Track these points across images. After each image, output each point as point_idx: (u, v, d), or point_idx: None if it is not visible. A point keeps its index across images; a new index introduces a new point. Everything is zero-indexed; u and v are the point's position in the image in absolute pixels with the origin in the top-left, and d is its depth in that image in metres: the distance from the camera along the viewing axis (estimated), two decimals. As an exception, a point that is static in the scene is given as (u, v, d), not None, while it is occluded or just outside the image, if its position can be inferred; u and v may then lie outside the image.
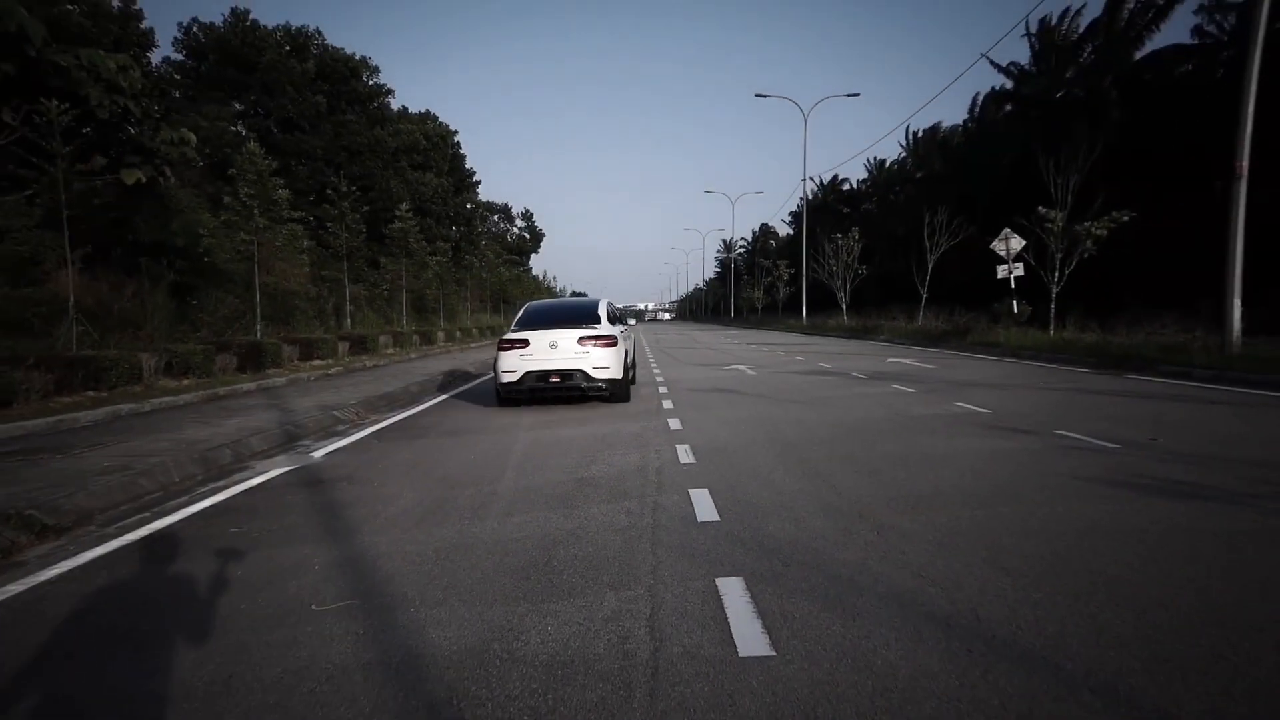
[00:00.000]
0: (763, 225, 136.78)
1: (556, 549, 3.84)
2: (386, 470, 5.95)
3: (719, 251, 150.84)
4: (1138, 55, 33.07)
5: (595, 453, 6.31)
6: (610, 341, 8.18)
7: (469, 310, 36.34)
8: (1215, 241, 11.74)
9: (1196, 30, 30.82)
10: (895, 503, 4.43)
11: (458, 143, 49.18)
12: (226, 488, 5.49)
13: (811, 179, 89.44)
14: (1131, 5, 31.57)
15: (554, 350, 8.12)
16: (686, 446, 6.36)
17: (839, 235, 32.75)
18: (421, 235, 32.22)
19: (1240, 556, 3.35)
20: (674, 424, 7.65)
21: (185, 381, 12.21)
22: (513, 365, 8.20)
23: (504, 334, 8.36)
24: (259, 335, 16.66)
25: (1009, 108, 50.09)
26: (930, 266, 24.61)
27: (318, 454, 6.76)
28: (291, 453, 6.88)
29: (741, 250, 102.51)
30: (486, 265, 43.34)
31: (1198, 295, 17.15)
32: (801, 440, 6.50)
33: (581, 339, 8.15)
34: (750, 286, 64.18)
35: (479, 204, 57.89)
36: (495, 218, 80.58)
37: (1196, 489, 4.43)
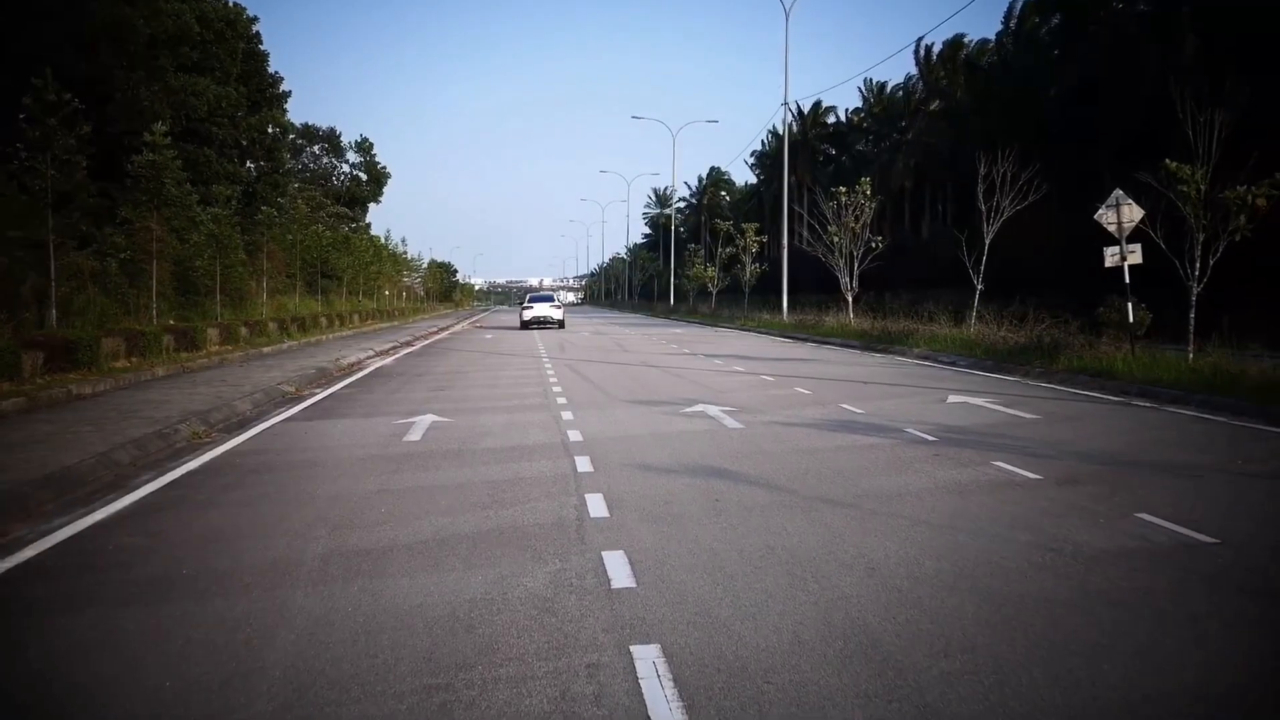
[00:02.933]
0: (712, 171, 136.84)
1: None
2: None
3: (649, 205, 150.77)
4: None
5: None
6: (560, 307, 43.70)
7: (265, 291, 33.33)
8: None
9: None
10: None
11: (257, 34, 45.74)
12: None
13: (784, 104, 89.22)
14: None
15: (540, 310, 41.39)
16: (659, 679, 4.07)
17: (841, 189, 31.48)
18: (189, 173, 29.17)
19: None
20: (617, 569, 5.47)
21: None
22: (527, 315, 41.44)
23: (523, 304, 45.09)
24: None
25: (1057, 19, 50.54)
26: (988, 242, 23.34)
27: None
28: None
29: (681, 206, 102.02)
30: (297, 221, 40.42)
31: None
32: (900, 640, 4.38)
33: (550, 305, 42.67)
34: (697, 259, 62.77)
35: (289, 128, 54.25)
36: (315, 150, 77.33)
37: None
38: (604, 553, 5.84)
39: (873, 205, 31.33)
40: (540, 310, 42.99)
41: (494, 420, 11.93)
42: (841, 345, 27.47)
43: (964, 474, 8.16)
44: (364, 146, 79.64)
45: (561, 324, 42.59)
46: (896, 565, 5.50)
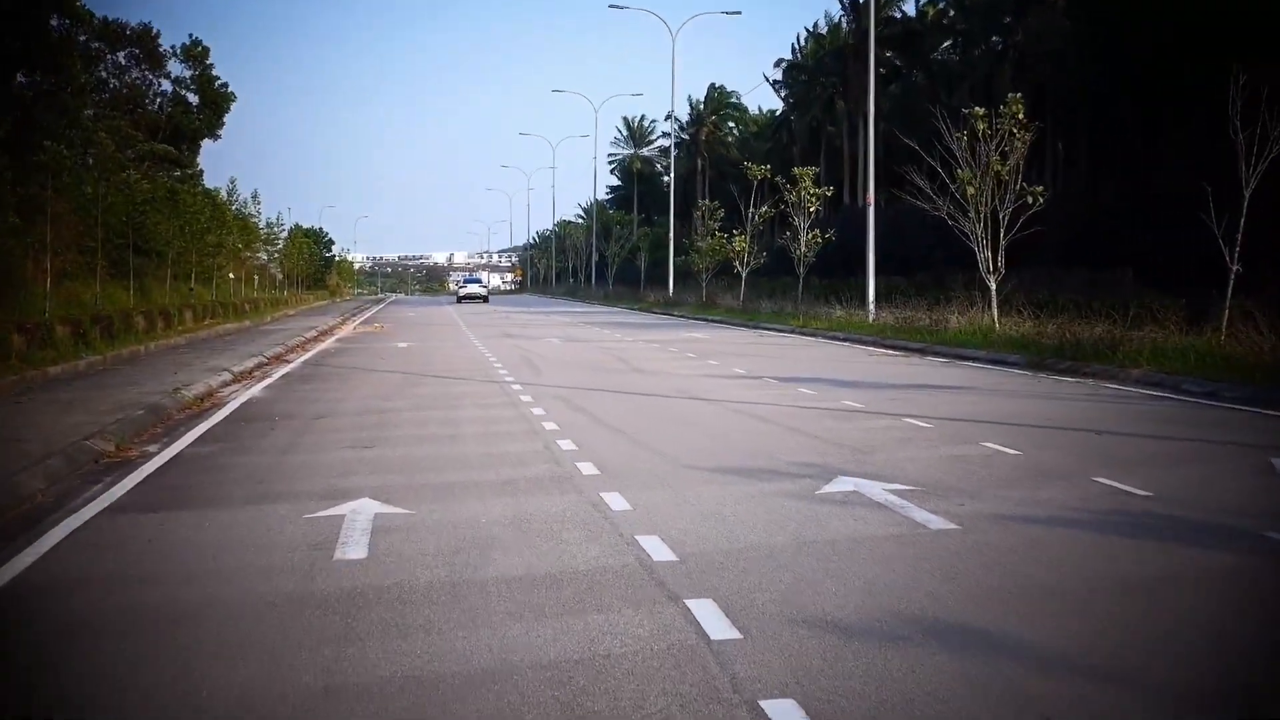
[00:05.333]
0: (713, 91, 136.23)
1: None
2: None
3: (617, 142, 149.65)
4: None
5: None
6: (485, 287, 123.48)
7: (50, 276, 31.65)
8: None
9: None
10: None
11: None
12: None
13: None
14: None
15: (471, 289, 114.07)
16: None
17: (978, 110, 30.76)
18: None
19: None
20: None
21: None
22: (462, 292, 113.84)
23: (460, 285, 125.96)
24: None
25: None
26: (1248, 194, 22.06)
27: None
28: None
29: (666, 145, 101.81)
30: (100, 165, 39.07)
31: None
32: None
33: (479, 286, 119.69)
34: (713, 223, 61.44)
35: (83, 17, 52.61)
36: (119, 58, 75.56)
37: None
38: None
39: (1027, 137, 30.01)
40: (471, 289, 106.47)
41: (486, 511, 10.04)
42: (990, 362, 26.20)
43: None
44: (194, 53, 78.30)
45: (486, 299, 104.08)
46: None
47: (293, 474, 12.21)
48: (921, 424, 15.78)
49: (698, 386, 21.35)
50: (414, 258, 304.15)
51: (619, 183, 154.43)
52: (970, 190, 30.42)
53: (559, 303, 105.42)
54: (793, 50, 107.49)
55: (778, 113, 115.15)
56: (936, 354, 28.80)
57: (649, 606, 7.14)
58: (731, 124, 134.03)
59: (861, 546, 8.64)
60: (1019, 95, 30.61)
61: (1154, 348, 22.24)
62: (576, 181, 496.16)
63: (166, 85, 77.46)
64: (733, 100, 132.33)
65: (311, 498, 10.72)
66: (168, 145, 71.96)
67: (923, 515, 9.65)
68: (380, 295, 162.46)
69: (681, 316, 59.09)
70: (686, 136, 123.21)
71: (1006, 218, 30.41)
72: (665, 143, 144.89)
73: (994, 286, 31.09)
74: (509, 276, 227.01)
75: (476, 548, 8.72)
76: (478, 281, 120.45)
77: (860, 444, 13.92)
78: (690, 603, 7.14)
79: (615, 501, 10.36)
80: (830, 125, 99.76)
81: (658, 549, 8.54)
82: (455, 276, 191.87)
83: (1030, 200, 29.98)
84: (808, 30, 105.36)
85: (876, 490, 10.78)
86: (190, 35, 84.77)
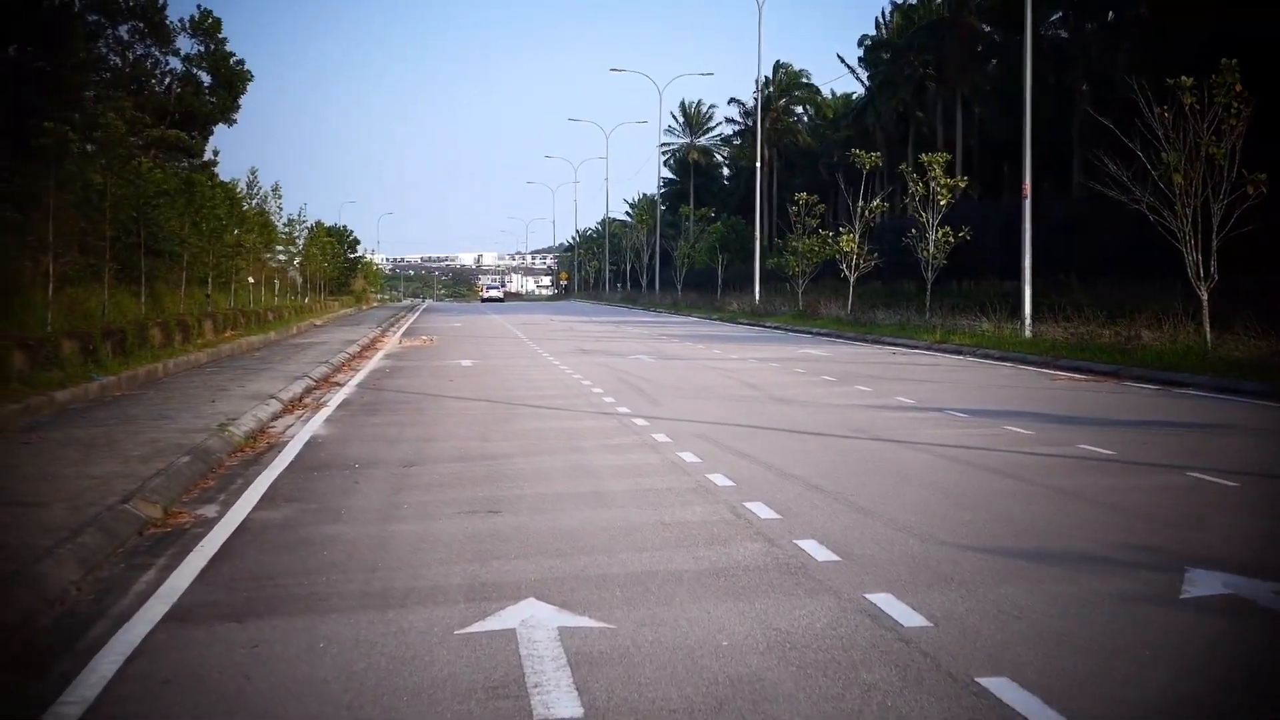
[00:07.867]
0: (780, 70, 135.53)
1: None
2: None
3: (672, 131, 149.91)
4: None
5: None
6: (504, 291, 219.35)
7: (53, 280, 30.02)
8: None
9: None
10: None
11: None
12: None
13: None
14: None
15: (492, 293, 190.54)
16: None
17: (1184, 80, 28.59)
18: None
19: None
20: None
21: None
22: (485, 294, 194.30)
23: (484, 289, 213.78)
24: None
25: None
26: None
27: None
28: None
29: (726, 133, 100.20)
30: (109, 151, 37.42)
31: None
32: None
33: (497, 290, 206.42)
34: (811, 220, 59.89)
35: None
36: (121, 33, 74.97)
37: None
38: None
39: (1247, 113, 27.71)
40: (492, 293, 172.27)
41: (720, 626, 7.88)
42: (1216, 389, 24.23)
43: None
44: (205, 27, 77.30)
45: (502, 299, 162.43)
46: None
47: (409, 555, 10.09)
48: (1221, 481, 13.73)
49: (871, 423, 19.31)
50: (438, 259, 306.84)
51: (673, 176, 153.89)
52: (1177, 178, 28.19)
53: (619, 311, 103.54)
54: (876, 26, 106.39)
55: (855, 97, 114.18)
56: (1135, 379, 26.94)
57: None
58: (800, 109, 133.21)
59: None
60: (1234, 61, 28.41)
61: None
62: (624, 177, 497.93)
63: (175, 62, 76.50)
64: (803, 79, 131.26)
65: (453, 597, 8.66)
66: (178, 130, 70.89)
67: None
68: (410, 301, 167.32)
69: (778, 328, 57.25)
70: (751, 123, 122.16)
71: (1221, 211, 28.25)
72: (726, 130, 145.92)
73: (1205, 296, 28.86)
74: (547, 280, 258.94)
75: (744, 698, 6.54)
76: (497, 287, 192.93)
77: (1168, 515, 11.85)
78: None
79: (895, 610, 8.20)
80: (919, 111, 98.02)
81: (1029, 705, 6.32)
82: (484, 280, 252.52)
83: (1250, 191, 27.75)
84: (894, 3, 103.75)
85: (1264, 593, 8.58)
86: (199, 6, 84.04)
